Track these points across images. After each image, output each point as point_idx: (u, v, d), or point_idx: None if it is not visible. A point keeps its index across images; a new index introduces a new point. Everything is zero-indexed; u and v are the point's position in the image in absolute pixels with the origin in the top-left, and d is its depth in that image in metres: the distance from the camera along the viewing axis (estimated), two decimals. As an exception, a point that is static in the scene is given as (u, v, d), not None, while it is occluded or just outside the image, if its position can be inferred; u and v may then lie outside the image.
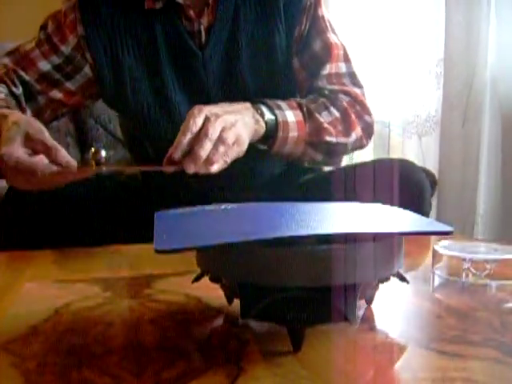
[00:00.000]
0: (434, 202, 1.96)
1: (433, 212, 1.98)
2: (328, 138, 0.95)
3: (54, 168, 0.70)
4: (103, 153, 0.72)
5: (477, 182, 1.99)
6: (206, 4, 0.96)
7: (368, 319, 0.47)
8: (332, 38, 1.03)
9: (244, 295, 0.41)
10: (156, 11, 0.96)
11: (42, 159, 0.70)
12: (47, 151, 0.70)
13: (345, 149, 1.00)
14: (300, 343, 0.40)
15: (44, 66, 0.96)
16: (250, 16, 0.99)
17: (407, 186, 0.94)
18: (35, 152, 0.71)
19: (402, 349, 0.41)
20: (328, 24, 1.04)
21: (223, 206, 0.56)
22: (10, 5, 2.26)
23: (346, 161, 1.85)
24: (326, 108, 0.97)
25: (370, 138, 1.05)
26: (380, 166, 1.00)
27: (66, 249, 0.85)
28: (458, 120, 2.01)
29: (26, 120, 0.74)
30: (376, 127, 1.07)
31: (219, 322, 0.48)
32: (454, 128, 2.02)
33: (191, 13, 0.96)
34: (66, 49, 0.97)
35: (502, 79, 1.94)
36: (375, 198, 0.81)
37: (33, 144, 0.70)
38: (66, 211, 0.91)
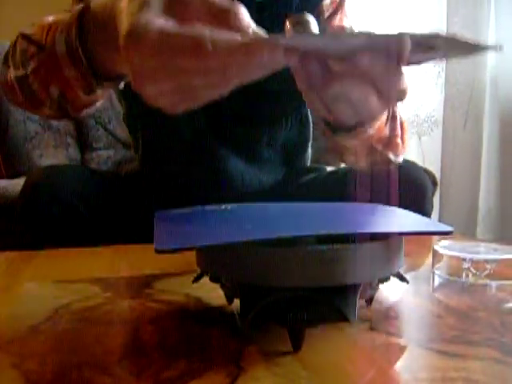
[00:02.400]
0: (435, 202, 1.96)
1: (434, 212, 1.98)
2: (391, 156, 0.73)
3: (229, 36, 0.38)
4: None
5: (478, 182, 1.99)
6: None
7: (368, 319, 0.47)
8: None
9: (244, 295, 0.41)
10: None
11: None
12: (213, 11, 0.39)
13: (384, 165, 0.79)
14: (300, 343, 0.40)
15: None
16: None
17: (409, 185, 0.94)
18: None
19: (401, 349, 0.41)
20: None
21: (223, 206, 0.56)
22: (10, 5, 2.26)
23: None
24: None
25: None
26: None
27: (66, 249, 0.85)
28: (459, 120, 2.01)
29: None
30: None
31: (219, 322, 0.48)
32: (455, 128, 2.02)
33: None
34: None
35: (502, 79, 1.94)
36: (376, 199, 0.81)
37: (182, 8, 0.40)
38: (67, 211, 0.91)
